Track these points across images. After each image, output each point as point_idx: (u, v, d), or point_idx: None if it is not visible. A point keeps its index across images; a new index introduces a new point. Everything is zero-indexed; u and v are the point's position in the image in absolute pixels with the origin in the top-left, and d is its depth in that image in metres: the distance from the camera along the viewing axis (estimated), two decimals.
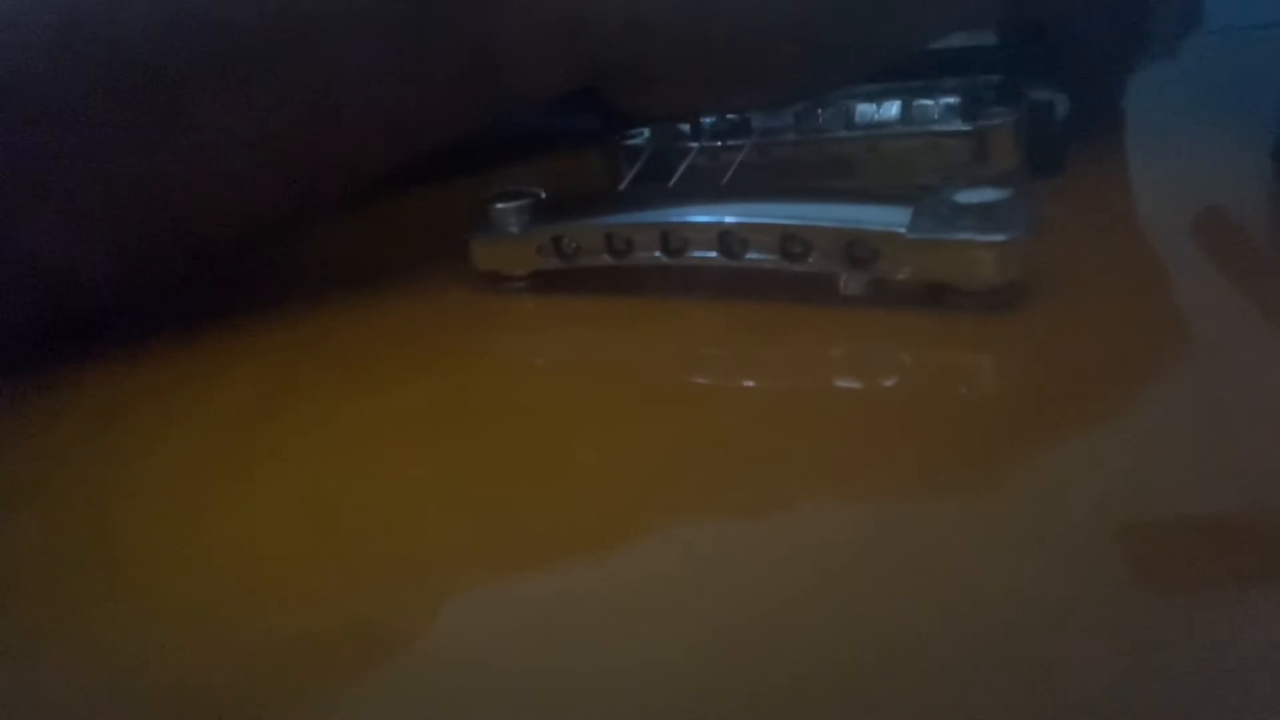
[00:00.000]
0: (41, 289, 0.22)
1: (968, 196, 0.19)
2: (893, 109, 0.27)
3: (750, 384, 0.19)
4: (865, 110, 0.27)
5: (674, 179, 0.25)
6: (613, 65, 0.24)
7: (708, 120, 0.28)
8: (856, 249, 0.20)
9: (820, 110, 0.27)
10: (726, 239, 0.21)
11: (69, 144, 0.20)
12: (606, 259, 0.22)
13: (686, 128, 0.28)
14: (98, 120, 0.20)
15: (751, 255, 0.21)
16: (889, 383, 0.19)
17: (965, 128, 0.25)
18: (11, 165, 0.20)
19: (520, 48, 0.23)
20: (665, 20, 0.23)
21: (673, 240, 0.22)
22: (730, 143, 0.27)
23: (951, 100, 0.26)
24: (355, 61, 0.22)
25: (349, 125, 0.23)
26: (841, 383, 0.19)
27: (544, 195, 0.24)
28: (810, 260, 0.20)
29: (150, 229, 0.22)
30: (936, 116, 0.26)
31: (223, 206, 0.23)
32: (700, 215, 0.22)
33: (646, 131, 0.28)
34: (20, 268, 0.21)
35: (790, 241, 0.20)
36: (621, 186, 0.26)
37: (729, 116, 0.28)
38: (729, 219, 0.21)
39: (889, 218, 0.19)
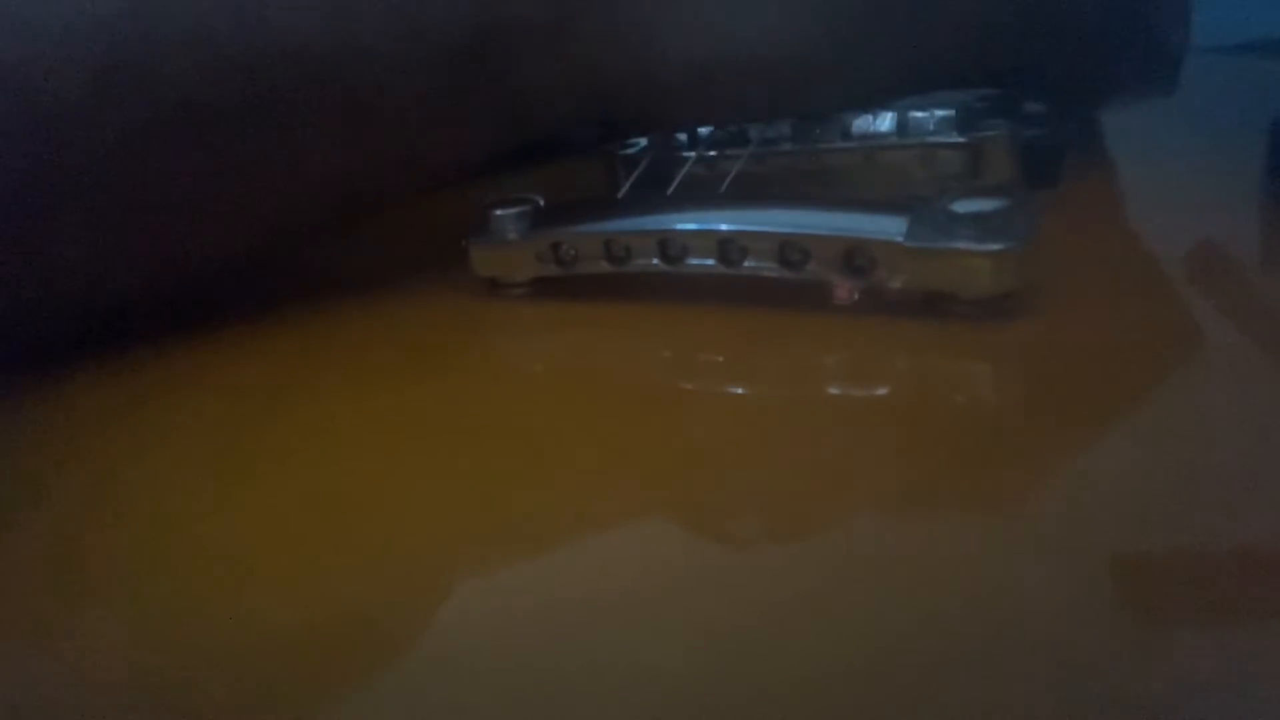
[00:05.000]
0: (68, 304, 0.23)
1: (965, 206, 0.19)
2: (888, 120, 0.27)
3: (748, 391, 0.20)
4: (861, 122, 0.27)
5: (671, 187, 0.25)
6: (623, 108, 0.25)
7: (705, 130, 0.28)
8: (854, 257, 0.20)
9: (817, 122, 0.27)
10: (725, 246, 0.21)
11: (104, 175, 0.21)
12: (605, 266, 0.23)
13: (684, 137, 0.28)
14: (133, 154, 0.21)
15: (750, 263, 0.21)
16: (886, 390, 0.19)
17: (960, 139, 0.25)
18: (46, 192, 0.21)
19: (542, 88, 0.24)
20: (671, 74, 0.24)
21: (671, 247, 0.22)
22: (728, 152, 0.27)
23: (946, 112, 0.26)
24: (391, 106, 0.23)
25: (379, 162, 0.24)
26: (839, 390, 0.19)
27: (543, 202, 0.24)
28: (808, 268, 0.20)
29: (178, 250, 0.23)
30: (932, 128, 0.26)
31: (250, 230, 0.24)
32: (699, 223, 0.22)
33: (644, 140, 0.28)
34: (50, 285, 0.22)
35: (788, 249, 0.21)
36: (620, 194, 0.26)
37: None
38: (727, 226, 0.21)
39: (887, 226, 0.20)
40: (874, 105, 0.27)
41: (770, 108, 0.26)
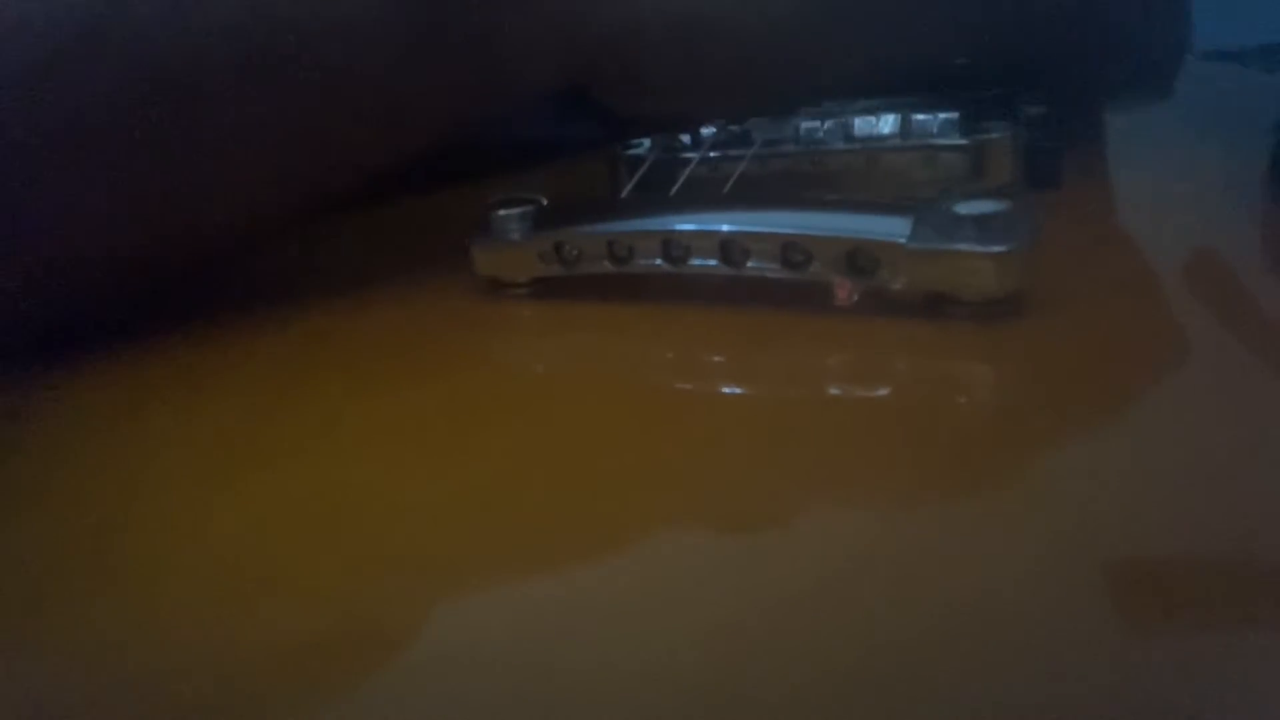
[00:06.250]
0: (48, 286, 0.22)
1: (967, 208, 0.19)
2: (891, 123, 0.27)
3: (750, 391, 0.20)
4: (864, 124, 0.27)
5: (674, 188, 0.26)
6: (606, 68, 0.25)
7: (708, 131, 0.28)
8: (857, 258, 0.20)
9: (819, 123, 0.27)
10: (728, 247, 0.21)
11: (85, 145, 0.21)
12: (607, 266, 0.23)
13: (687, 138, 0.28)
14: (114, 121, 0.21)
15: (752, 264, 0.21)
16: (887, 391, 0.19)
17: (963, 141, 0.25)
18: (25, 166, 0.20)
19: (521, 45, 0.24)
20: (655, 30, 0.24)
21: (674, 248, 0.22)
22: (730, 154, 0.27)
23: (949, 115, 0.26)
24: (364, 61, 0.22)
25: (356, 120, 0.23)
26: (841, 391, 0.19)
27: (545, 202, 0.24)
28: (811, 269, 0.20)
29: (160, 225, 0.23)
30: (935, 130, 0.26)
31: (232, 202, 0.23)
32: (702, 223, 0.22)
33: (647, 141, 0.28)
34: (28, 265, 0.22)
35: (791, 250, 0.21)
36: (623, 195, 0.26)
37: (730, 127, 0.28)
38: (730, 227, 0.21)
39: (889, 228, 0.20)
40: (865, 92, 0.27)
41: (760, 84, 0.26)
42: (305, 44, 0.21)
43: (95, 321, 0.23)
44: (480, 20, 0.23)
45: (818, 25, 0.24)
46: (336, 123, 0.23)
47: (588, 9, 0.24)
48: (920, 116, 0.27)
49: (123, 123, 0.21)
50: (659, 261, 0.22)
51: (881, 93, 0.27)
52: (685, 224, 0.22)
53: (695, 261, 0.22)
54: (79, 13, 0.20)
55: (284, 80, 0.22)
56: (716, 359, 0.21)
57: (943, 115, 0.26)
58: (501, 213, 0.24)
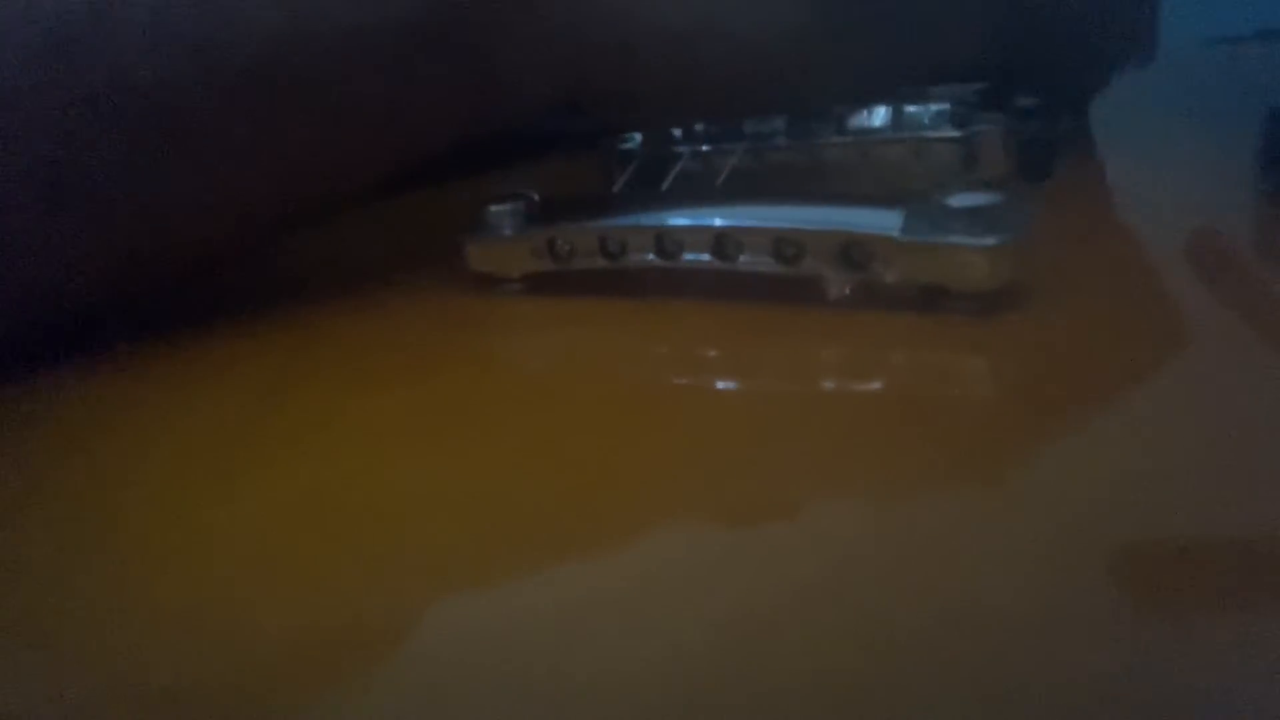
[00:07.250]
0: (27, 298, 0.22)
1: (960, 200, 0.19)
2: (882, 115, 0.27)
3: (744, 386, 0.20)
4: (855, 117, 0.27)
5: (667, 182, 0.26)
6: (600, 85, 0.25)
7: (699, 125, 0.28)
8: (850, 252, 0.20)
9: (811, 117, 0.27)
10: (720, 242, 0.21)
11: (56, 158, 0.20)
12: (600, 261, 0.23)
13: (678, 132, 0.28)
14: (86, 135, 0.20)
15: (745, 258, 0.21)
16: (882, 385, 0.19)
17: (955, 134, 0.25)
18: (9, 176, 0.20)
19: (518, 61, 0.24)
20: (649, 51, 0.24)
21: (667, 243, 0.22)
22: (722, 147, 0.27)
23: (940, 107, 0.26)
24: (355, 81, 0.22)
25: (345, 139, 0.23)
26: (835, 385, 0.19)
27: (538, 198, 0.24)
28: (804, 263, 0.20)
29: (141, 239, 0.22)
30: (926, 122, 0.26)
31: (217, 217, 0.23)
32: (694, 218, 0.22)
33: (639, 136, 0.28)
34: (28, 276, 0.21)
35: (784, 244, 0.21)
36: (615, 189, 0.26)
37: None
38: (723, 222, 0.21)
39: (882, 221, 0.20)
40: (858, 101, 0.27)
41: (755, 96, 0.26)
42: (297, 59, 0.21)
43: (91, 324, 0.23)
44: (477, 37, 0.23)
45: (812, 40, 0.24)
46: (328, 135, 0.23)
47: (583, 26, 0.24)
48: (912, 109, 0.27)
49: (92, 138, 0.20)
50: (652, 256, 0.22)
51: (873, 100, 0.27)
52: (678, 219, 0.22)
53: (688, 256, 0.22)
54: (53, 24, 0.20)
55: (272, 95, 0.21)
56: (711, 353, 0.21)
57: (934, 107, 0.26)
58: (494, 208, 0.24)
